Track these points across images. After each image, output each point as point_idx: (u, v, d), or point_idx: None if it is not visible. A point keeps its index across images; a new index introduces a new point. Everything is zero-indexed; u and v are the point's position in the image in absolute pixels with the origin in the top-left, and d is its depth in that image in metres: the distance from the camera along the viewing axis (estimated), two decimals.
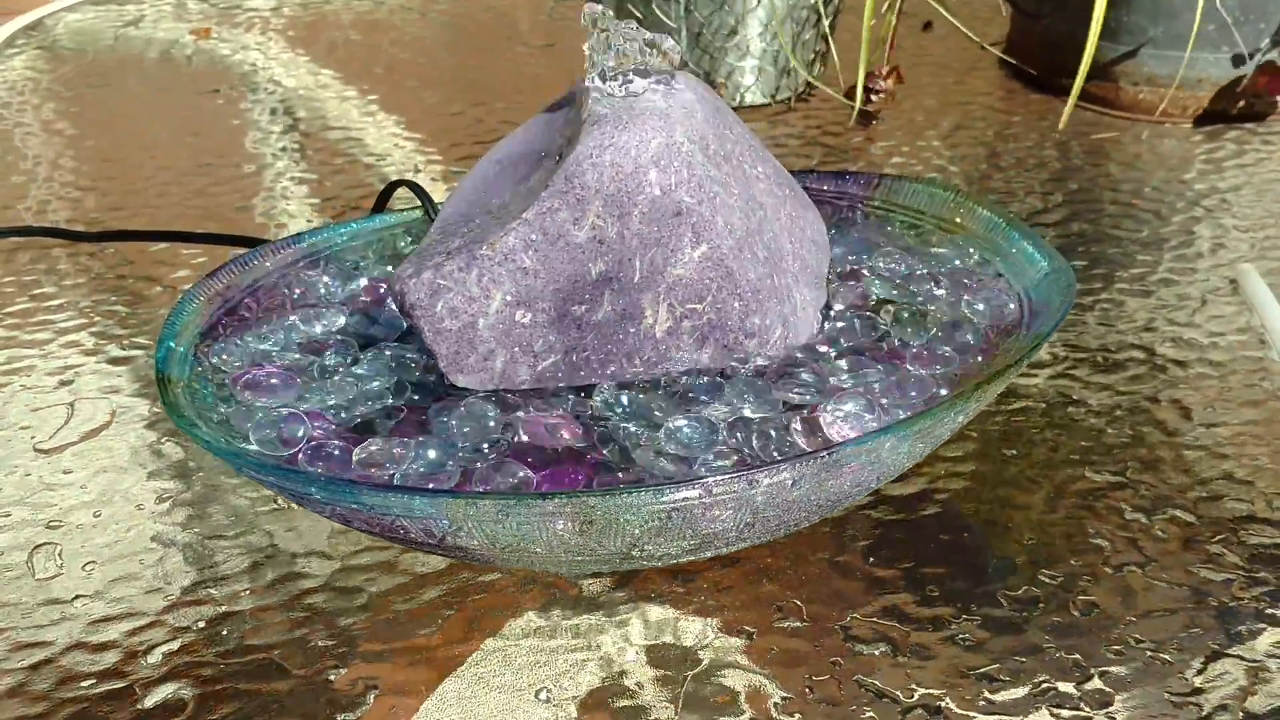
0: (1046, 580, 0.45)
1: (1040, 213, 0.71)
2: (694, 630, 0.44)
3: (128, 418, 0.55)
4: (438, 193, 0.75)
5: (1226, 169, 0.75)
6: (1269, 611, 0.43)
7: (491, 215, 0.46)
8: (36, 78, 0.96)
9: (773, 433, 0.42)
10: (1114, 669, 0.41)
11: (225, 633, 0.44)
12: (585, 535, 0.40)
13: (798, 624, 0.44)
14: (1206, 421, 0.53)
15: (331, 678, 0.42)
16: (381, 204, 0.58)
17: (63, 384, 0.57)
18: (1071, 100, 0.74)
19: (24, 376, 0.58)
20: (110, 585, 0.46)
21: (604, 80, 0.45)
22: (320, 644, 0.43)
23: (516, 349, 0.44)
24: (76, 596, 0.45)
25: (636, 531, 0.40)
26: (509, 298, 0.44)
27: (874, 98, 0.82)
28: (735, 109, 0.84)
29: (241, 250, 0.66)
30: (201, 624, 0.44)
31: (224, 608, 0.45)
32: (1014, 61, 0.90)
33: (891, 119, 0.83)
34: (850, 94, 0.81)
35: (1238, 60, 0.79)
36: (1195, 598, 0.44)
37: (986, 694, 0.41)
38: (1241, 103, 0.80)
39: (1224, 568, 0.45)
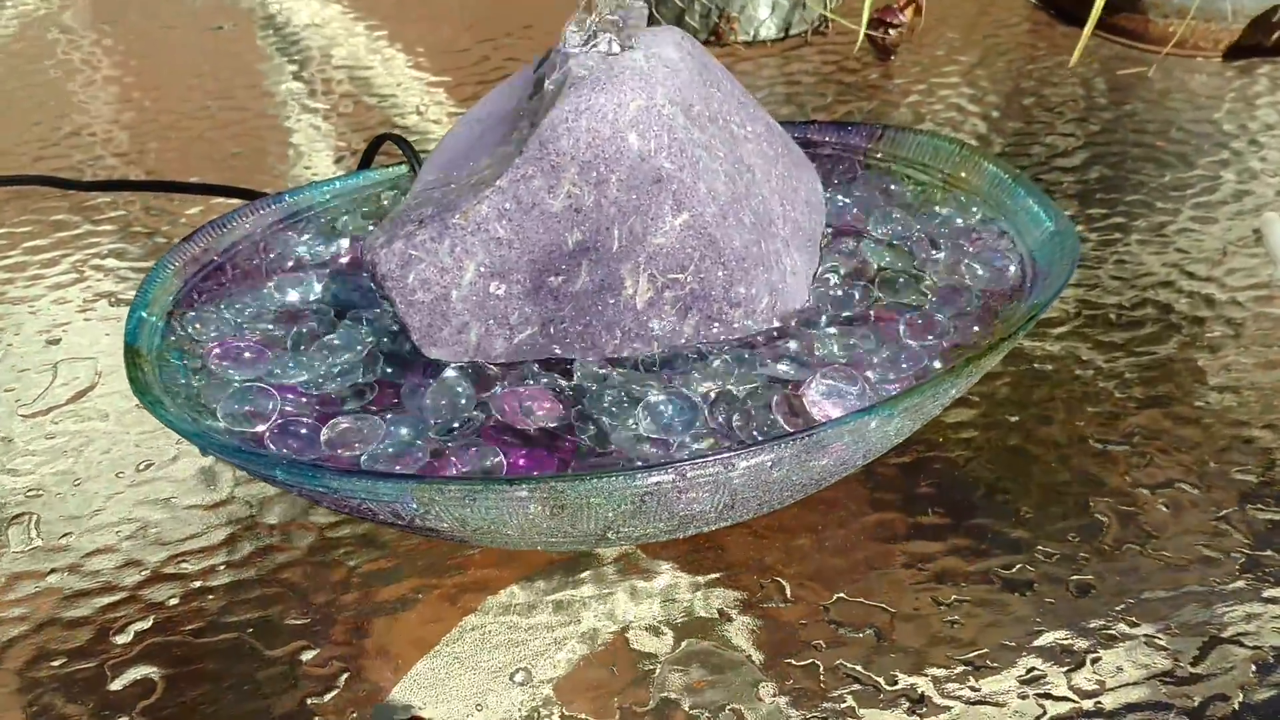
0: (1042, 559, 0.44)
1: (1059, 155, 0.68)
2: (676, 608, 0.43)
3: (113, 380, 0.54)
4: (437, 134, 0.73)
5: (1259, 107, 0.72)
6: (1268, 594, 0.42)
7: (467, 179, 0.44)
8: (45, 14, 0.94)
9: (754, 410, 0.41)
10: (1106, 655, 0.40)
11: (198, 609, 0.43)
12: (558, 519, 0.39)
13: (781, 604, 0.43)
14: (1220, 385, 0.51)
15: (304, 658, 0.41)
16: (368, 160, 0.56)
17: (50, 343, 0.57)
18: (1084, 36, 0.71)
19: (12, 335, 0.57)
20: (85, 559, 0.45)
21: (583, 42, 0.43)
22: (293, 622, 0.43)
23: (491, 321, 0.43)
24: (51, 570, 0.45)
25: (610, 515, 0.39)
26: (483, 268, 0.42)
27: (891, 32, 0.79)
28: (749, 45, 0.82)
29: (237, 202, 0.65)
30: (175, 600, 0.43)
31: (198, 583, 0.44)
32: None
33: (910, 54, 0.80)
34: (872, 25, 0.78)
35: None
36: (1199, 578, 0.42)
37: (972, 681, 0.39)
38: (1277, 35, 0.76)
39: (1227, 547, 0.44)
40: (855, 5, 0.85)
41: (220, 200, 0.66)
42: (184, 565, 0.45)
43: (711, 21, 0.81)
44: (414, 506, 0.38)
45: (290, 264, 0.49)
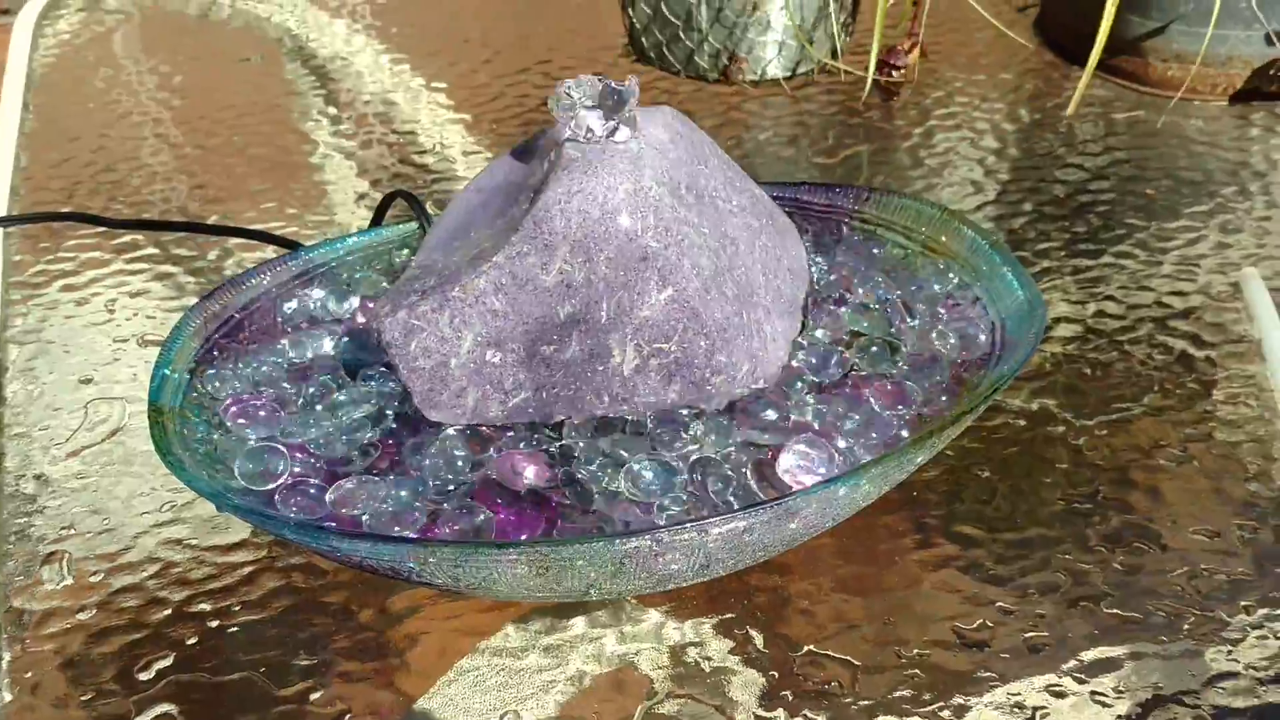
0: (993, 624, 0.46)
1: (1049, 203, 0.70)
2: (662, 653, 0.46)
3: (140, 420, 0.57)
4: (450, 172, 0.77)
5: (1252, 154, 0.74)
6: (1211, 654, 0.44)
7: (468, 250, 0.47)
8: (80, 45, 0.98)
9: (730, 474, 0.44)
10: (1054, 712, 0.43)
11: (215, 647, 0.46)
12: (543, 578, 0.42)
13: (755, 653, 0.46)
14: (1188, 440, 0.53)
15: (312, 698, 0.45)
16: (379, 216, 0.59)
17: (82, 382, 0.60)
18: (1082, 85, 0.73)
19: (47, 375, 0.61)
20: (114, 596, 0.49)
21: (579, 127, 0.46)
22: (301, 663, 0.46)
23: (488, 386, 0.46)
24: (82, 608, 0.48)
25: (593, 575, 0.42)
26: (480, 338, 0.45)
27: (894, 74, 0.81)
28: (755, 84, 0.84)
29: (258, 245, 0.68)
30: (194, 639, 0.47)
31: (215, 622, 0.48)
32: (1043, 34, 0.89)
33: (913, 95, 0.83)
34: (878, 67, 0.80)
35: (1271, 39, 0.77)
36: (1151, 637, 0.45)
37: None
38: (1275, 84, 0.78)
39: (1178, 610, 0.46)
40: (861, 42, 0.87)
41: (242, 242, 0.69)
42: (202, 605, 0.48)
43: (721, 62, 0.84)
44: (411, 565, 0.41)
45: (305, 321, 0.53)
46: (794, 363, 0.48)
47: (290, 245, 0.64)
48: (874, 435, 0.45)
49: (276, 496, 0.44)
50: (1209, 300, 0.62)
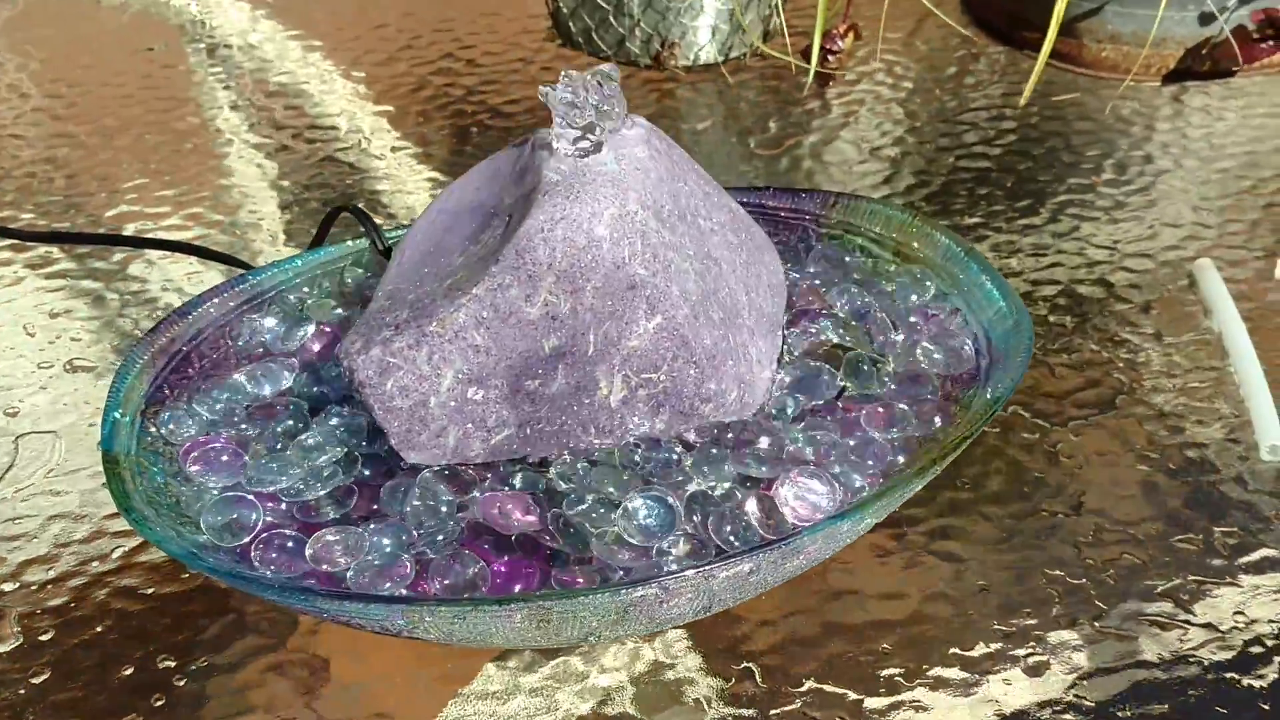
0: (994, 648, 0.46)
1: (989, 199, 0.70)
2: (651, 692, 0.44)
3: (77, 456, 0.54)
4: (382, 169, 0.73)
5: (1193, 139, 0.74)
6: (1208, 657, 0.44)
7: (439, 280, 0.45)
8: None
9: (728, 512, 0.42)
10: None
11: (182, 710, 0.44)
12: (543, 629, 0.40)
13: (754, 689, 0.44)
14: (1148, 448, 0.53)
15: None
16: (323, 234, 0.56)
17: (8, 415, 0.56)
18: (1034, 77, 0.73)
19: None
20: (68, 654, 0.46)
21: (560, 141, 0.44)
22: (283, 716, 0.43)
23: (469, 425, 0.43)
24: (34, 667, 0.45)
25: (595, 623, 0.40)
26: (461, 375, 0.43)
27: (830, 58, 0.80)
28: (689, 70, 0.82)
29: (180, 258, 0.65)
30: (160, 701, 0.44)
31: (181, 680, 0.45)
32: (970, 13, 0.88)
33: (848, 79, 0.81)
34: (807, 54, 0.79)
35: (1205, 19, 0.78)
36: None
37: None
38: (1208, 63, 0.78)
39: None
40: (791, 23, 0.86)
41: (158, 254, 0.65)
42: (166, 662, 0.45)
43: (653, 47, 0.81)
44: (402, 623, 0.39)
45: (258, 351, 0.50)
46: (779, 385, 0.47)
47: (217, 258, 0.61)
48: (870, 462, 0.44)
49: (253, 552, 0.41)
50: (1156, 283, 0.62)
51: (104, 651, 0.46)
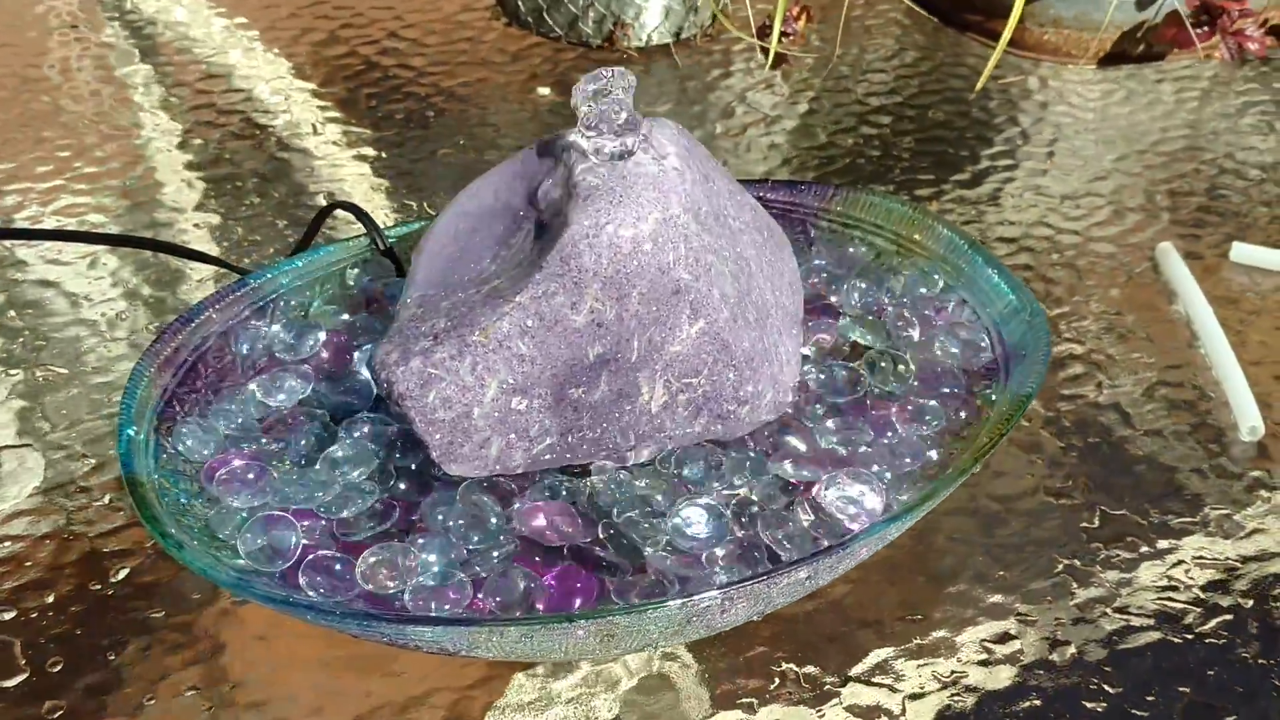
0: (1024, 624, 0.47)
1: (945, 185, 0.71)
2: (693, 698, 0.44)
3: (57, 470, 0.51)
4: (340, 158, 0.71)
5: (1139, 122, 0.76)
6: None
7: (474, 286, 0.43)
8: None
9: (773, 515, 0.42)
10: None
11: None
12: (605, 643, 0.40)
13: (795, 690, 0.45)
14: (1140, 430, 0.55)
15: None
16: (314, 231, 0.54)
17: None
18: (990, 65, 0.74)
19: None
20: (80, 700, 0.44)
21: (591, 143, 0.43)
22: None
23: (513, 435, 0.43)
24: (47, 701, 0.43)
25: (655, 634, 0.40)
26: (505, 385, 0.42)
27: (784, 39, 0.80)
28: (641, 50, 0.81)
29: (140, 251, 0.62)
30: None
31: (210, 710, 0.43)
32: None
33: (801, 61, 0.81)
34: (761, 33, 0.79)
35: (1142, 3, 0.80)
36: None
37: None
38: (1142, 46, 0.81)
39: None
40: (741, 6, 0.85)
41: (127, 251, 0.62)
42: (193, 693, 0.44)
43: (605, 28, 0.80)
44: (464, 644, 0.38)
45: (264, 359, 0.48)
46: (802, 384, 0.47)
47: (183, 254, 0.58)
48: (908, 460, 0.44)
49: (301, 577, 0.39)
50: (1133, 276, 0.64)
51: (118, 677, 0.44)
